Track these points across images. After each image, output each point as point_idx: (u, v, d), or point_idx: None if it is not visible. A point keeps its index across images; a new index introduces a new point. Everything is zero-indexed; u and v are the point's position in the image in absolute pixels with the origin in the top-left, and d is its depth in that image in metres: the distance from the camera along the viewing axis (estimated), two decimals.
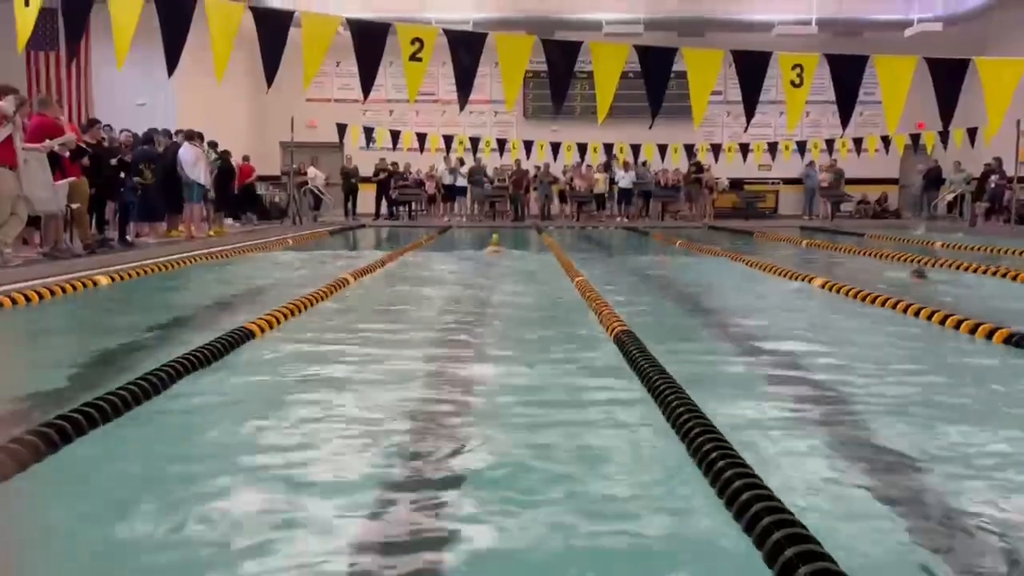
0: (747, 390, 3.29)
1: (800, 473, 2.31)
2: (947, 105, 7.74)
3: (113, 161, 9.63)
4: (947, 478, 2.29)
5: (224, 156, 13.84)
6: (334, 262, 8.92)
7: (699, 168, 19.80)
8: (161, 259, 8.27)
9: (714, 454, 2.21)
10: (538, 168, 19.48)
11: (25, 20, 6.98)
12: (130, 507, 2.04)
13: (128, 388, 2.87)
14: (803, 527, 1.74)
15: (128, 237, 10.24)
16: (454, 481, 2.24)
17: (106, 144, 9.81)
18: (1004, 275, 7.07)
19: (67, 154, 8.40)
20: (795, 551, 1.64)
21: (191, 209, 12.33)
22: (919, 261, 8.07)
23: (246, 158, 16.34)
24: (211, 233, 12.69)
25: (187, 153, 12.20)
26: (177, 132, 12.48)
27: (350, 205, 19.19)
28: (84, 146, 8.85)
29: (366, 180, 19.20)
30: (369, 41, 7.53)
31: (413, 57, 7.46)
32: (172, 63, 7.10)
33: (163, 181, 10.98)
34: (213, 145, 13.25)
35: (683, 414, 2.58)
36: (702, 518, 1.99)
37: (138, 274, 7.10)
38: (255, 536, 1.88)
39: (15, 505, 2.12)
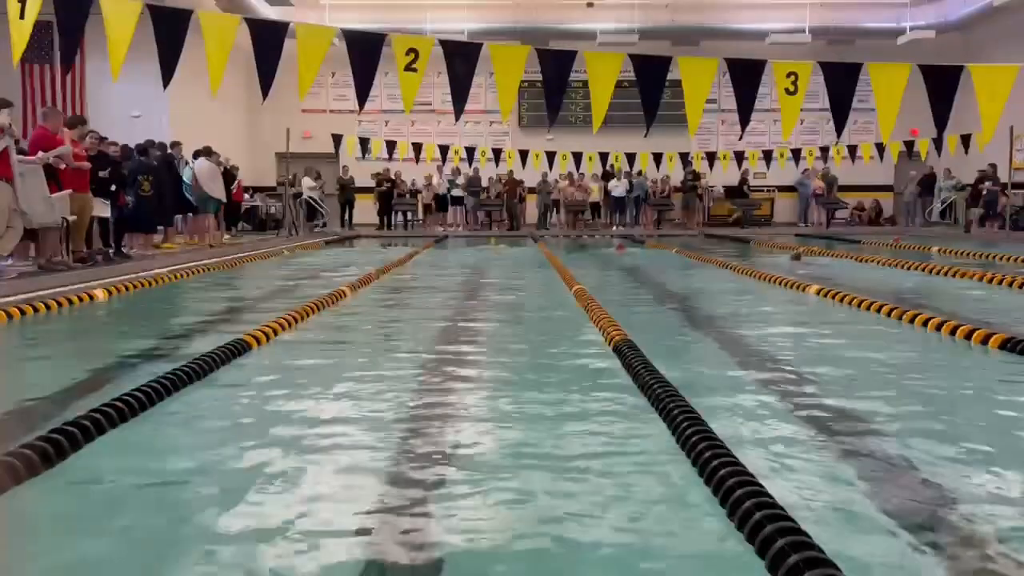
0: (743, 397, 3.28)
1: (803, 482, 2.30)
2: (941, 112, 7.75)
3: (104, 173, 9.59)
4: (957, 491, 2.28)
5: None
6: (332, 272, 8.92)
7: (695, 177, 19.81)
8: (158, 271, 8.26)
9: (712, 458, 2.20)
10: (544, 176, 19.43)
11: (20, 33, 6.98)
12: (113, 519, 2.03)
13: (122, 399, 2.86)
14: (808, 535, 1.74)
15: (124, 249, 10.22)
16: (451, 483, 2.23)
17: (92, 154, 9.76)
18: (1001, 282, 7.10)
19: (62, 167, 8.39)
20: (798, 558, 1.63)
21: (207, 221, 12.54)
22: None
23: (235, 168, 16.29)
24: (210, 244, 12.72)
25: (203, 168, 12.29)
26: (174, 145, 12.46)
27: (347, 216, 19.18)
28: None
29: (363, 190, 19.22)
30: (364, 52, 7.53)
31: (408, 68, 7.46)
32: (167, 76, 7.11)
33: (158, 193, 10.96)
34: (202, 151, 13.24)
35: (682, 421, 2.58)
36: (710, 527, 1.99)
37: (135, 287, 7.09)
38: (242, 549, 1.87)
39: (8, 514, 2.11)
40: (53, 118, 8.66)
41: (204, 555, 1.85)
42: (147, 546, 1.91)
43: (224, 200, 13.06)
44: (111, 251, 9.79)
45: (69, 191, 8.51)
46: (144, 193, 10.50)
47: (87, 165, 8.94)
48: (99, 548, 1.90)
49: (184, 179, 12.45)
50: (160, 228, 11.88)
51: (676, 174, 19.97)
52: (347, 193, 19.08)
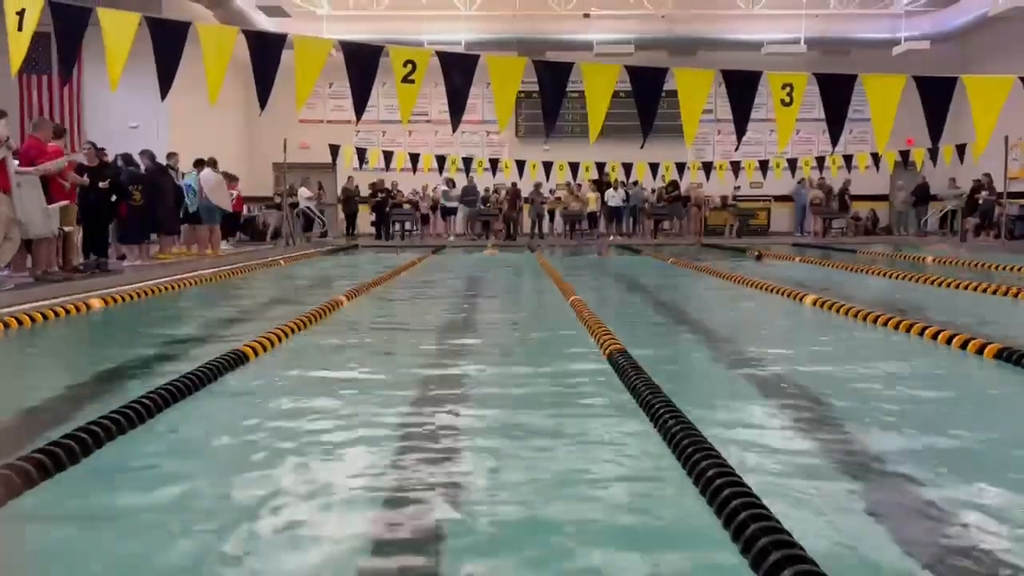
0: (737, 403, 3.29)
1: (794, 487, 2.31)
2: (935, 122, 7.78)
3: (103, 184, 9.61)
4: (952, 499, 2.29)
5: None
6: (331, 281, 8.93)
7: (674, 187, 19.73)
8: (155, 281, 8.26)
9: (711, 471, 2.21)
10: (536, 186, 19.44)
11: (18, 45, 7.00)
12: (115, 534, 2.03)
13: (120, 412, 2.86)
14: (801, 548, 1.74)
15: (115, 259, 10.23)
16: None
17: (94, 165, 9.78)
18: (995, 291, 7.12)
19: (69, 174, 8.44)
20: (792, 571, 1.64)
21: (209, 231, 12.63)
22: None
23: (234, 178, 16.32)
24: (210, 254, 12.73)
25: (209, 179, 12.33)
26: (170, 155, 12.46)
27: (350, 225, 19.22)
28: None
29: (362, 200, 19.27)
30: (362, 63, 7.56)
31: (406, 79, 7.48)
32: (165, 87, 7.13)
33: (150, 203, 10.97)
34: (207, 162, 13.26)
35: (674, 426, 2.58)
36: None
37: (131, 297, 7.08)
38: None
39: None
40: (43, 128, 8.66)
41: (204, 569, 1.85)
42: (144, 561, 1.91)
43: (229, 210, 13.13)
44: (104, 262, 9.79)
45: (66, 202, 8.53)
46: (135, 203, 10.51)
47: (84, 180, 8.98)
48: (95, 559, 1.90)
49: (184, 190, 12.44)
50: (154, 238, 11.87)
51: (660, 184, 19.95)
52: (351, 203, 19.13)
